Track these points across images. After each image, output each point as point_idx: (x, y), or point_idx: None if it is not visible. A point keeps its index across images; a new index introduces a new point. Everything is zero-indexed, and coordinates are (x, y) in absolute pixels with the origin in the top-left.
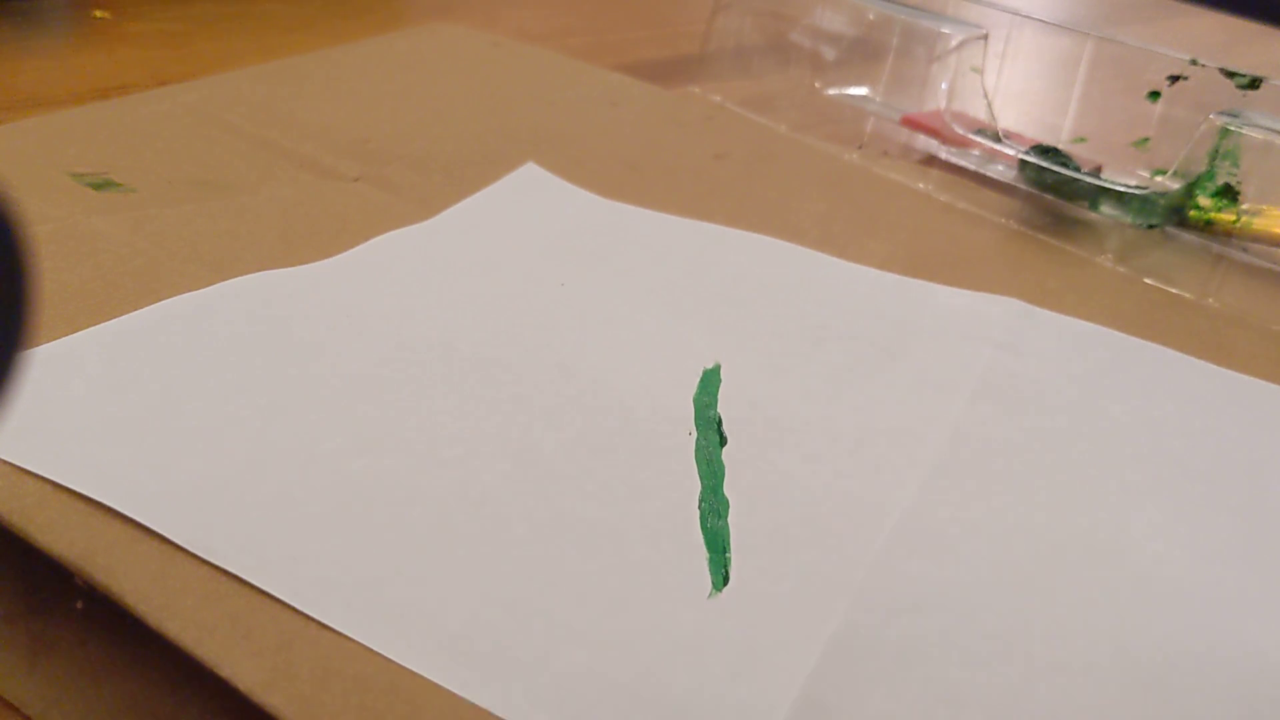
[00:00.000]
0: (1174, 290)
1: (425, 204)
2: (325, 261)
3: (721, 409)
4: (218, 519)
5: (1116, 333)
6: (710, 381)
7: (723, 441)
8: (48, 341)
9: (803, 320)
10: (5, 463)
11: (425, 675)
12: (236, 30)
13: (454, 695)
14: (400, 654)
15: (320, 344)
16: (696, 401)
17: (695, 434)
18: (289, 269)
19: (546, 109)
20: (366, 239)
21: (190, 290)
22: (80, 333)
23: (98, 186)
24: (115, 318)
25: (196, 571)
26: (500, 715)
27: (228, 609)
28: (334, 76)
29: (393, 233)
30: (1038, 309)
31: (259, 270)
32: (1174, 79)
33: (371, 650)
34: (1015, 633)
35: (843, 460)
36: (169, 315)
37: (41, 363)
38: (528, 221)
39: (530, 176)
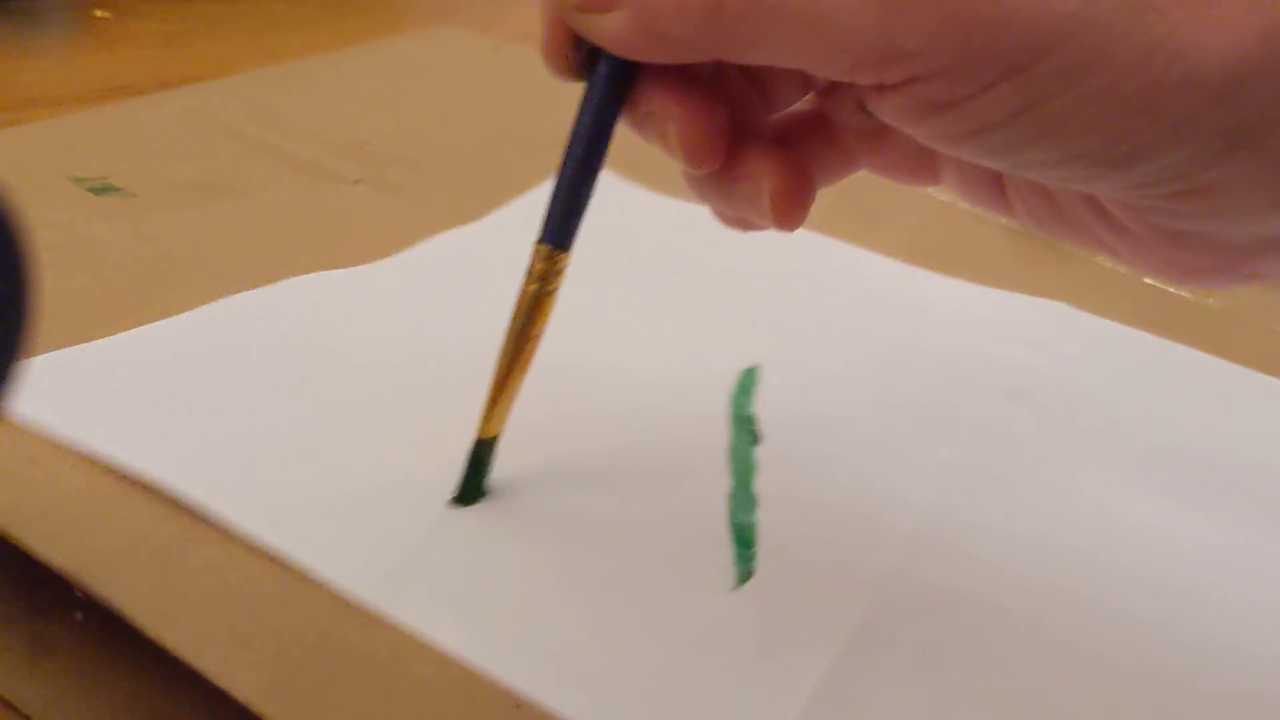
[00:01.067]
0: (1174, 290)
1: (426, 206)
2: (379, 263)
3: (757, 408)
4: (272, 500)
5: (1154, 337)
6: (748, 381)
7: (755, 440)
8: (60, 347)
9: (845, 319)
10: (5, 475)
11: (459, 653)
12: (236, 30)
13: (454, 704)
14: (435, 632)
15: (369, 342)
16: (733, 401)
17: (729, 433)
18: (344, 270)
19: (547, 112)
20: (368, 241)
21: (190, 293)
22: (146, 326)
23: (98, 191)
24: (118, 322)
25: (195, 582)
26: (524, 690)
27: (226, 619)
28: (335, 80)
29: (444, 234)
30: (1078, 311)
31: (258, 271)
32: None
33: (369, 658)
34: (1034, 636)
35: (873, 460)
36: (232, 311)
37: (111, 354)
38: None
39: None
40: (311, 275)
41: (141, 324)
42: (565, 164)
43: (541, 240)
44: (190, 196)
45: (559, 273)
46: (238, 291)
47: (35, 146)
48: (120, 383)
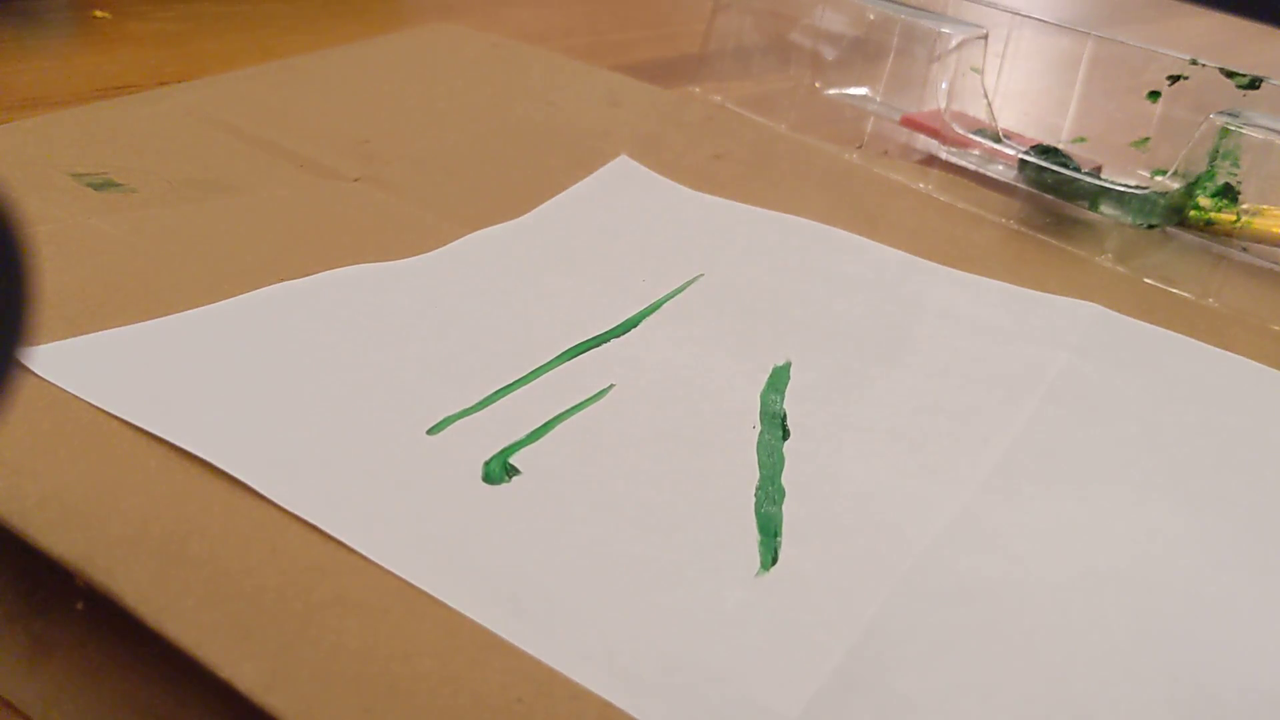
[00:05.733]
0: (1174, 290)
1: (425, 204)
2: (423, 256)
3: (789, 405)
4: (309, 477)
5: (1195, 341)
6: (779, 378)
7: (785, 435)
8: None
9: (880, 320)
10: (5, 465)
11: (486, 625)
12: (236, 30)
13: (455, 698)
14: (463, 602)
15: (408, 332)
16: (763, 397)
17: (759, 428)
18: (386, 263)
19: (546, 109)
20: (367, 239)
21: (189, 288)
22: (192, 310)
23: (98, 187)
24: (117, 317)
25: (197, 573)
26: (548, 662)
27: (228, 610)
28: (334, 77)
29: (487, 230)
30: (1117, 314)
31: (257, 267)
32: (1174, 79)
33: (371, 651)
34: (1058, 631)
35: (904, 459)
36: (272, 299)
37: (154, 336)
38: (616, 217)
39: (623, 171)
40: (359, 267)
41: (141, 318)
42: None
43: None
44: (190, 193)
45: None
46: (237, 287)
47: (34, 142)
48: (172, 363)
